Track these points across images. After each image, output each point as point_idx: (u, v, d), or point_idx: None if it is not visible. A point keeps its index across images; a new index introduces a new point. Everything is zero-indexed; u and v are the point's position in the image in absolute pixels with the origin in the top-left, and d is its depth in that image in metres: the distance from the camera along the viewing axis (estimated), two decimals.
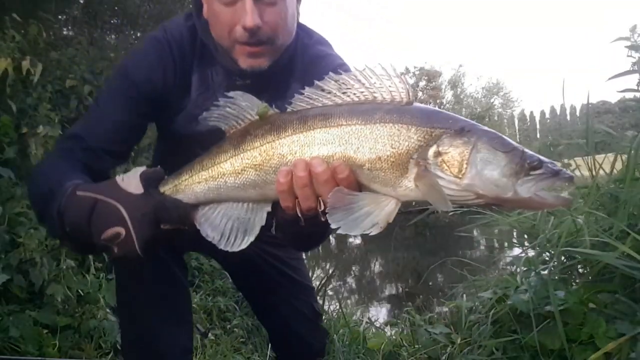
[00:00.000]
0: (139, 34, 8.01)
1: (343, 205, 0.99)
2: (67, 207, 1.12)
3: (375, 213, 1.00)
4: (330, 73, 1.06)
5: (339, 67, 1.47)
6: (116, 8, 7.44)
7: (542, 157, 0.98)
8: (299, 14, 1.45)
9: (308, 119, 1.05)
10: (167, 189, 1.17)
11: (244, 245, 1.11)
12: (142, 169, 1.14)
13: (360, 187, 1.04)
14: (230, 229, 1.13)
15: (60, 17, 6.52)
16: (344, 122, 1.02)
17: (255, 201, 1.14)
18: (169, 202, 1.13)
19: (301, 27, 1.55)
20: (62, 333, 2.25)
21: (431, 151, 0.98)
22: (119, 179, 1.13)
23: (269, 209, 1.14)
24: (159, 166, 1.17)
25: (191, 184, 1.15)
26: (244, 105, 1.13)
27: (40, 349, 2.12)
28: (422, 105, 1.07)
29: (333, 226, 0.99)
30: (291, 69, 1.48)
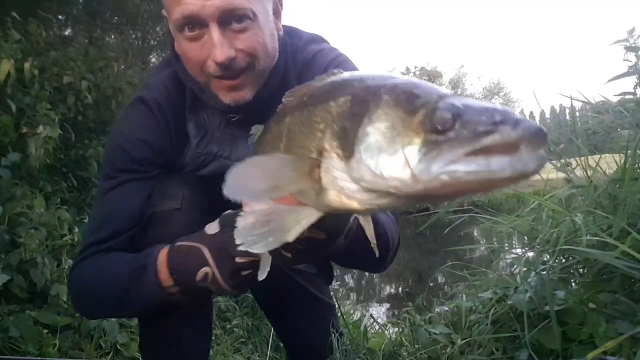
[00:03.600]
0: (138, 34, 8.02)
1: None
2: (172, 261, 1.16)
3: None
4: None
5: (333, 60, 1.41)
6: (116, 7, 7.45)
7: (472, 104, 0.56)
8: (280, 30, 1.34)
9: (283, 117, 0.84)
10: None
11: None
12: (228, 212, 1.12)
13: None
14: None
15: (60, 16, 6.53)
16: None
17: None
18: None
19: (289, 32, 1.45)
20: (62, 333, 2.25)
21: (328, 134, 0.66)
22: (207, 226, 1.15)
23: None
24: None
25: None
26: None
27: (40, 349, 2.12)
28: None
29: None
30: (286, 87, 1.35)
